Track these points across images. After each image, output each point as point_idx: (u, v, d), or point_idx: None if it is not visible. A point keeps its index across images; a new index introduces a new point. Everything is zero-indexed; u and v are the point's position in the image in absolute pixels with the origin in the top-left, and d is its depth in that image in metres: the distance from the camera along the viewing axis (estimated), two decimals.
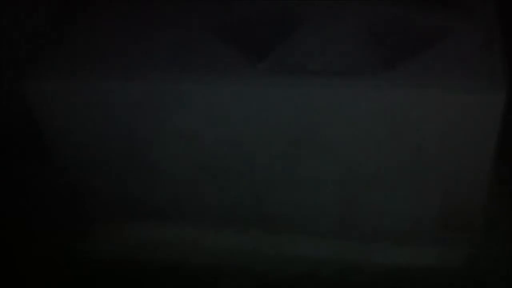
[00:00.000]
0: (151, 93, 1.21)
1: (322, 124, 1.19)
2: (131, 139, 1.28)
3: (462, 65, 1.15)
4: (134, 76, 1.22)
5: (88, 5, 1.43)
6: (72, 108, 1.25)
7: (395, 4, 1.29)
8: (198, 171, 1.32)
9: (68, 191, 1.42)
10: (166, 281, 1.41)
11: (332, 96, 1.16)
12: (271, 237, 1.41)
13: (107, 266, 1.44)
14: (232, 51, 1.23)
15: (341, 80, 1.15)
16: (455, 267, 1.35)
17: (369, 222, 1.34)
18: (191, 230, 1.44)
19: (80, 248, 1.47)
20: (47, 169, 1.44)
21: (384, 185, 1.26)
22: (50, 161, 1.36)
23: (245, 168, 1.29)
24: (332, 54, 1.22)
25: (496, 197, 1.39)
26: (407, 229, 1.34)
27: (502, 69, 1.12)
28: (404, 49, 1.21)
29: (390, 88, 1.13)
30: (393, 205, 1.29)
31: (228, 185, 1.34)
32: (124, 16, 1.38)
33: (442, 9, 1.27)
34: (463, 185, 1.24)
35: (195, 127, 1.24)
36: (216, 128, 1.23)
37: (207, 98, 1.19)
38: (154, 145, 1.29)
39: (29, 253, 1.48)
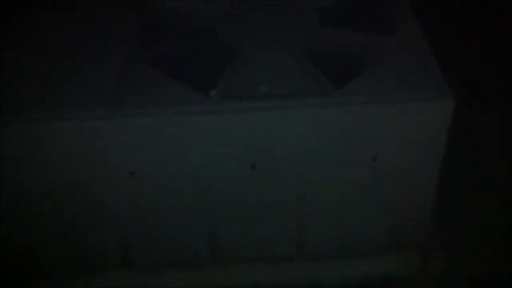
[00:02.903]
0: (100, 130, 1.17)
1: (278, 145, 1.20)
2: (76, 181, 1.22)
3: (405, 78, 1.20)
4: (78, 113, 1.16)
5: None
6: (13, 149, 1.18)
7: (328, 27, 1.33)
8: (150, 211, 1.28)
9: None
10: None
11: (286, 117, 1.17)
12: (227, 270, 1.40)
13: None
14: (177, 81, 1.21)
15: (293, 102, 1.17)
16: (405, 275, 1.40)
17: (324, 241, 1.35)
18: (146, 276, 1.39)
19: None
20: None
21: (341, 202, 1.28)
22: None
23: (201, 201, 1.27)
24: (280, 78, 1.23)
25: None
26: (360, 244, 1.36)
27: (442, 78, 1.19)
28: (347, 68, 1.24)
29: (342, 105, 1.16)
30: (349, 221, 1.31)
31: (183, 223, 1.30)
32: (55, 48, 1.32)
33: (372, 30, 1.33)
34: (413, 192, 1.27)
35: (149, 163, 1.21)
36: (172, 161, 1.21)
37: (162, 130, 1.17)
38: (102, 185, 1.23)
39: None
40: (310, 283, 1.41)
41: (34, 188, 1.22)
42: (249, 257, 1.38)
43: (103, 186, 1.23)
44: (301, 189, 1.25)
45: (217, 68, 1.24)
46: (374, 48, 1.28)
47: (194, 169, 1.21)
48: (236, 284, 1.40)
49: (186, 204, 1.27)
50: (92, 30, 1.37)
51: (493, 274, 1.50)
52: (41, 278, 1.39)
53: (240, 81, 1.23)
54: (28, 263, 1.35)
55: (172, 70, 1.24)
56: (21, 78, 1.24)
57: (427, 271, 1.43)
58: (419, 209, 1.30)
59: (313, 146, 1.19)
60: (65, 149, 1.17)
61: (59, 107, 1.17)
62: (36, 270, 1.37)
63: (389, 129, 1.17)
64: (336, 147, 1.19)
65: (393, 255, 1.39)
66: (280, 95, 1.18)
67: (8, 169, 1.19)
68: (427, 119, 1.17)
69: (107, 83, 1.22)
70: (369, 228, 1.32)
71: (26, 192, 1.23)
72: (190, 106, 1.16)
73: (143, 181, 1.22)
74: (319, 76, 1.21)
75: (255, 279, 1.40)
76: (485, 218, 1.63)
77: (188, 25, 1.38)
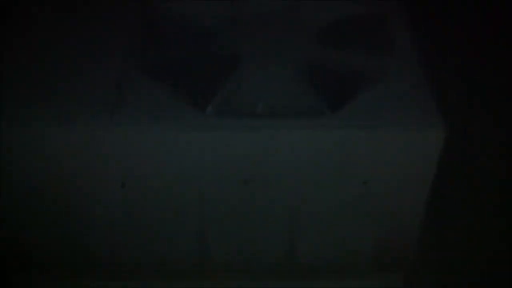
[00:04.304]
0: (94, 139, 1.16)
1: (271, 163, 1.19)
2: (66, 188, 1.22)
3: (398, 105, 1.20)
4: (74, 122, 1.15)
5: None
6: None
7: (329, 47, 1.33)
8: (141, 221, 1.28)
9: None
10: None
11: (281, 137, 1.17)
12: (216, 281, 1.40)
13: None
14: (174, 94, 1.21)
15: (288, 122, 1.17)
16: None
17: (311, 257, 1.36)
18: (133, 283, 1.40)
19: None
20: None
21: (331, 220, 1.28)
22: None
23: (192, 213, 1.27)
24: (276, 96, 1.23)
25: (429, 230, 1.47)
26: (347, 261, 1.37)
27: (436, 107, 1.18)
28: (343, 90, 1.24)
29: (337, 128, 1.16)
30: (336, 239, 1.32)
31: (173, 235, 1.30)
32: (53, 51, 1.31)
33: (371, 54, 1.32)
34: (401, 216, 1.28)
35: (142, 175, 1.20)
36: (165, 174, 1.20)
37: (157, 143, 1.16)
38: (92, 194, 1.23)
39: None
40: None
41: (23, 192, 1.23)
42: (238, 269, 1.38)
43: (94, 194, 1.23)
44: (292, 205, 1.26)
45: (215, 81, 1.25)
46: (371, 72, 1.28)
47: (186, 182, 1.22)
48: None
49: (177, 215, 1.27)
50: (91, 33, 1.36)
51: (493, 274, 1.50)
52: (32, 278, 1.40)
53: (238, 98, 1.23)
54: (20, 262, 1.36)
55: (171, 81, 1.24)
56: (20, 81, 1.24)
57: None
58: (407, 232, 1.31)
59: (306, 165, 1.20)
60: (58, 156, 1.17)
61: (55, 115, 1.16)
62: (26, 270, 1.38)
63: (381, 154, 1.18)
64: (329, 168, 1.20)
65: (379, 274, 1.40)
66: (276, 114, 1.19)
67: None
68: (417, 148, 1.18)
69: (104, 93, 1.21)
70: (357, 246, 1.34)
71: (14, 197, 1.23)
72: (185, 121, 1.16)
73: (135, 193, 1.22)
74: (317, 97, 1.22)
75: None
76: (485, 218, 1.63)
77: (187, 33, 1.38)
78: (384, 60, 1.31)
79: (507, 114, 1.97)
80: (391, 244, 1.33)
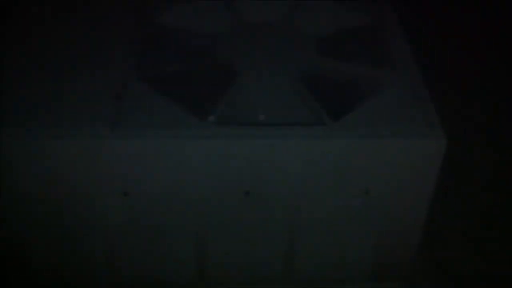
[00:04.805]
0: (97, 149, 1.16)
1: (272, 173, 1.20)
2: (67, 197, 1.22)
3: (399, 114, 1.20)
4: (75, 131, 1.15)
5: None
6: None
7: (328, 56, 1.34)
8: (141, 230, 1.28)
9: None
10: None
11: (283, 146, 1.17)
12: None
13: None
14: (175, 103, 1.21)
15: (289, 131, 1.17)
16: None
17: (312, 265, 1.36)
18: None
19: None
20: None
21: (330, 230, 1.29)
22: None
23: (192, 223, 1.27)
24: (277, 105, 1.24)
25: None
26: (347, 269, 1.37)
27: (436, 116, 1.18)
28: (343, 100, 1.24)
29: (339, 138, 1.16)
30: (337, 248, 1.33)
31: (173, 244, 1.31)
32: (50, 57, 1.31)
33: (369, 62, 1.33)
34: (402, 224, 1.28)
35: (144, 184, 1.20)
36: (167, 183, 1.20)
37: (159, 152, 1.16)
38: (94, 204, 1.23)
39: None
40: None
41: (24, 199, 1.23)
42: (237, 279, 1.38)
43: (96, 204, 1.23)
44: (292, 215, 1.26)
45: (216, 91, 1.25)
46: (371, 81, 1.28)
47: (187, 192, 1.22)
48: None
49: (177, 225, 1.27)
50: (91, 34, 1.37)
51: (493, 274, 1.50)
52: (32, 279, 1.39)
53: (239, 107, 1.23)
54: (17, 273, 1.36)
55: (171, 91, 1.24)
56: (20, 82, 1.24)
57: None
58: (408, 239, 1.32)
59: (307, 175, 1.20)
60: (60, 166, 1.17)
61: (56, 124, 1.16)
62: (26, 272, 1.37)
63: (382, 163, 1.18)
64: (329, 178, 1.20)
65: (379, 280, 1.40)
66: (278, 123, 1.19)
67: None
68: (418, 156, 1.17)
69: (105, 102, 1.21)
70: (356, 256, 1.34)
71: (15, 204, 1.23)
72: (187, 130, 1.16)
73: (137, 202, 1.22)
74: (317, 106, 1.22)
75: None
76: (485, 218, 1.63)
77: (187, 45, 1.38)
78: (383, 69, 1.31)
79: (507, 114, 1.97)
80: (392, 251, 1.33)
